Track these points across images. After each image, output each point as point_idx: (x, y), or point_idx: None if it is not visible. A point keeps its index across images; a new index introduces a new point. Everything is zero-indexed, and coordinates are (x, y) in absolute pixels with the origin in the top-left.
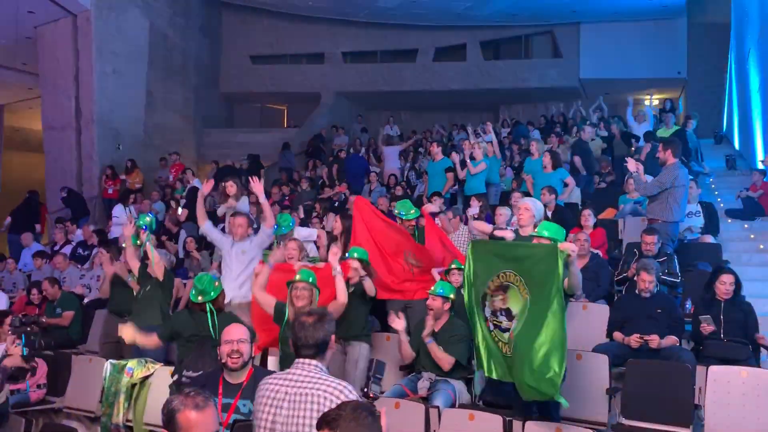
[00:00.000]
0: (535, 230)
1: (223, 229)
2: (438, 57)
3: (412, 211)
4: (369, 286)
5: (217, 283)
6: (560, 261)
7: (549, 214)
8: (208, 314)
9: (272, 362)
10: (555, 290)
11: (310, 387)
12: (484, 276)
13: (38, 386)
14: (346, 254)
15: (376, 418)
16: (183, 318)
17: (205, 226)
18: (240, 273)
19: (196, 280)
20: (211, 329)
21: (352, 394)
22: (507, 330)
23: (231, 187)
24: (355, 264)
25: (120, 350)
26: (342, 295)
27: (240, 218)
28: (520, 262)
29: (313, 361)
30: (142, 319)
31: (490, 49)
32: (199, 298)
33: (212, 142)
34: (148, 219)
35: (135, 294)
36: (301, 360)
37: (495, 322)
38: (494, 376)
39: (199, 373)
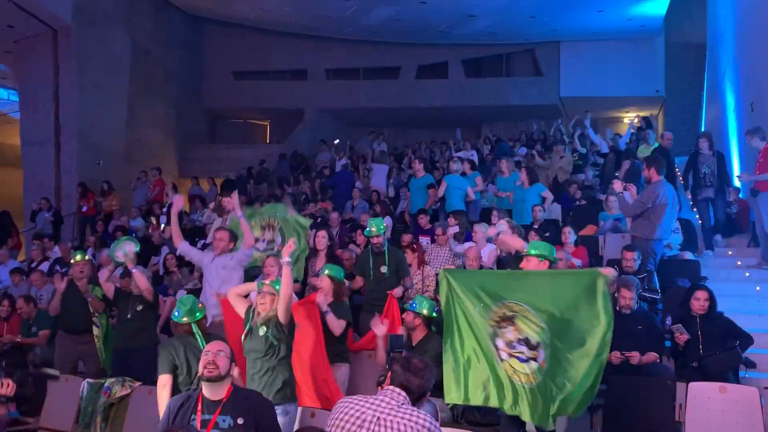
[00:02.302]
0: (525, 250)
1: (205, 246)
2: (420, 74)
3: (374, 229)
4: (331, 324)
5: (201, 305)
6: (601, 287)
7: (536, 227)
8: (197, 336)
9: None
10: (603, 317)
11: (401, 416)
12: (478, 304)
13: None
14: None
15: None
16: (176, 345)
17: (182, 247)
18: (219, 288)
19: (181, 302)
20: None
21: (433, 425)
22: (528, 360)
23: (227, 202)
24: (319, 298)
25: (76, 368)
26: (287, 286)
27: (222, 232)
28: (527, 292)
29: (403, 392)
30: (136, 340)
31: (471, 66)
32: (185, 319)
33: (194, 158)
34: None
35: (112, 314)
36: (391, 387)
37: (512, 353)
38: (492, 404)
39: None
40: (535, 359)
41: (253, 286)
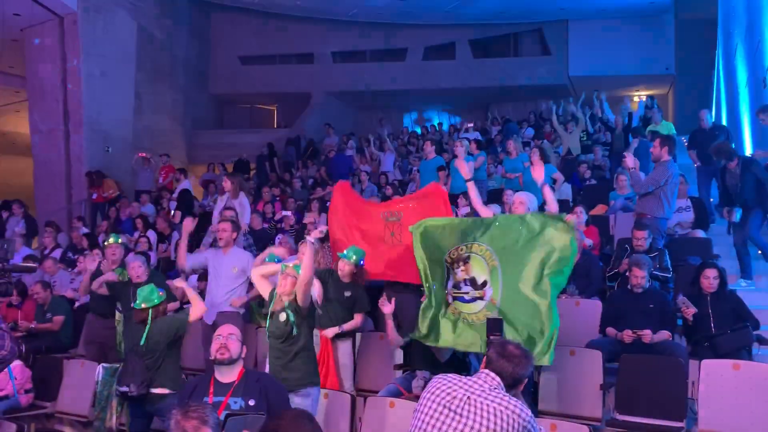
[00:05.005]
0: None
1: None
2: (427, 56)
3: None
4: (351, 328)
5: (161, 293)
6: (566, 231)
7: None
8: (149, 323)
9: None
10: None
11: (491, 399)
12: (439, 251)
13: (25, 390)
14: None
15: (315, 425)
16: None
17: (188, 267)
18: (232, 288)
19: (139, 291)
20: (144, 338)
21: (525, 413)
22: (475, 300)
23: (226, 182)
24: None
25: (104, 353)
26: (307, 269)
27: (223, 224)
28: (495, 235)
29: (498, 377)
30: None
31: (479, 47)
32: (143, 305)
33: (202, 144)
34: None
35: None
36: (486, 371)
37: (455, 294)
38: (436, 344)
39: (126, 388)
40: (482, 298)
41: (277, 267)
